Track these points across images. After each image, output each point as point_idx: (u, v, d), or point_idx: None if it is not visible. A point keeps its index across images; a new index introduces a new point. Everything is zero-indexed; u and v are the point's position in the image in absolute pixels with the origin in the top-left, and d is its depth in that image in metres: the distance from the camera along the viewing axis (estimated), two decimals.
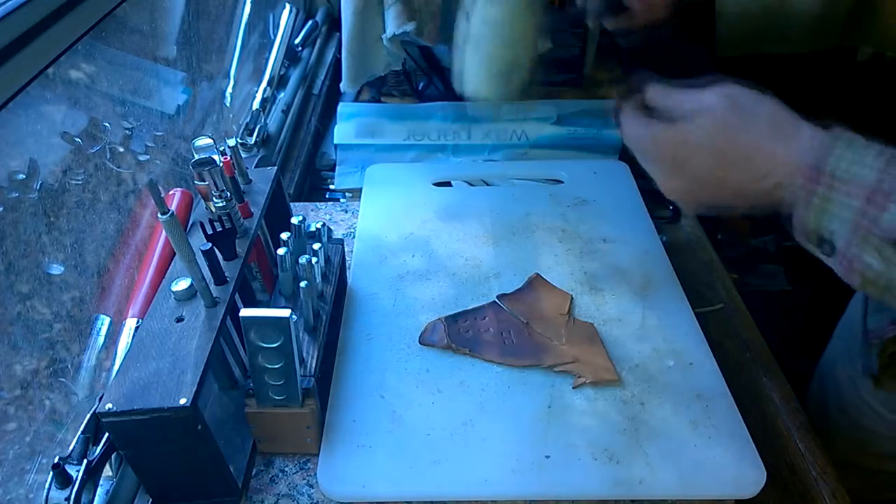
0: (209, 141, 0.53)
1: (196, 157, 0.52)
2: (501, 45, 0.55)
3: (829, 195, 0.39)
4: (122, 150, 0.64)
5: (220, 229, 0.50)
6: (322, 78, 1.10)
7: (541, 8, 0.56)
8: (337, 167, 0.88)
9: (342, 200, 0.85)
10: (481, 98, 0.60)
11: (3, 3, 0.42)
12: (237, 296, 0.51)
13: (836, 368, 0.75)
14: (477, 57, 0.57)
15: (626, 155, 0.87)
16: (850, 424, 0.71)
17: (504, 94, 0.58)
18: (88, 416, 0.46)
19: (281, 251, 0.53)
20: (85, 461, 0.44)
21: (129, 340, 0.54)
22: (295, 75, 1.04)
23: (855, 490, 0.53)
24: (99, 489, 0.46)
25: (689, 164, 0.45)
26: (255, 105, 0.91)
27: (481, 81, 0.59)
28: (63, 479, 0.43)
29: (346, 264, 0.67)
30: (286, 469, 0.52)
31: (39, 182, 0.52)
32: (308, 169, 0.92)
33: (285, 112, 0.95)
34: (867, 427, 0.70)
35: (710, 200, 0.46)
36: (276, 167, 0.62)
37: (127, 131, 0.66)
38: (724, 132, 0.44)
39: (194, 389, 0.42)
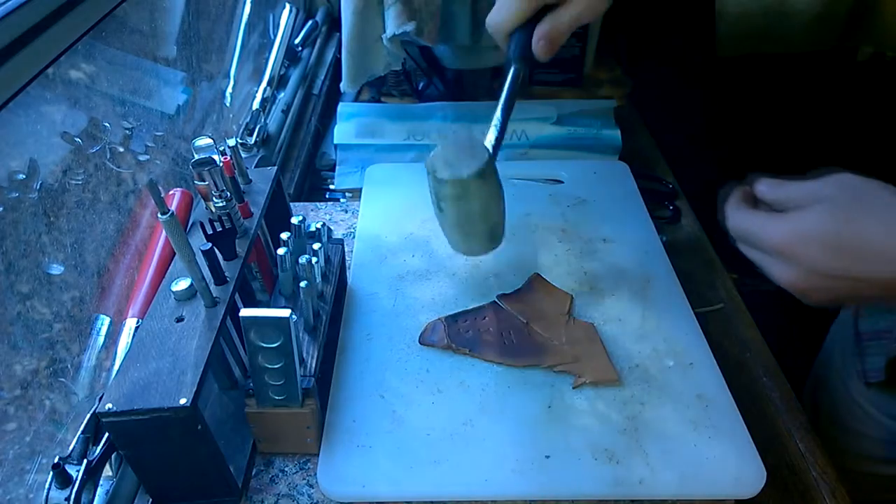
0: (209, 141, 0.53)
1: (196, 157, 0.52)
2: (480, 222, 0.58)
3: None
4: (122, 150, 0.64)
5: (220, 229, 0.50)
6: (322, 78, 1.10)
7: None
8: (337, 167, 0.88)
9: (342, 200, 0.85)
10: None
11: (3, 3, 0.42)
12: (237, 296, 0.51)
13: (829, 370, 0.75)
14: (459, 233, 0.59)
15: (626, 155, 0.87)
16: (842, 427, 0.72)
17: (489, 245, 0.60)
18: (88, 416, 0.46)
19: (281, 251, 0.53)
20: (85, 461, 0.44)
21: (129, 340, 0.54)
22: (295, 75, 1.04)
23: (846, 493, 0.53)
24: (99, 489, 0.46)
25: (807, 256, 0.43)
26: (255, 105, 0.91)
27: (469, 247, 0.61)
28: (63, 479, 0.43)
29: (346, 264, 0.67)
30: (286, 469, 0.52)
31: (39, 182, 0.52)
32: (308, 169, 0.92)
33: (285, 112, 0.95)
34: (857, 430, 0.70)
35: (831, 294, 0.44)
36: (276, 167, 0.62)
37: (127, 131, 0.66)
38: (846, 222, 0.41)
39: (194, 389, 0.42)
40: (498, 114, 0.57)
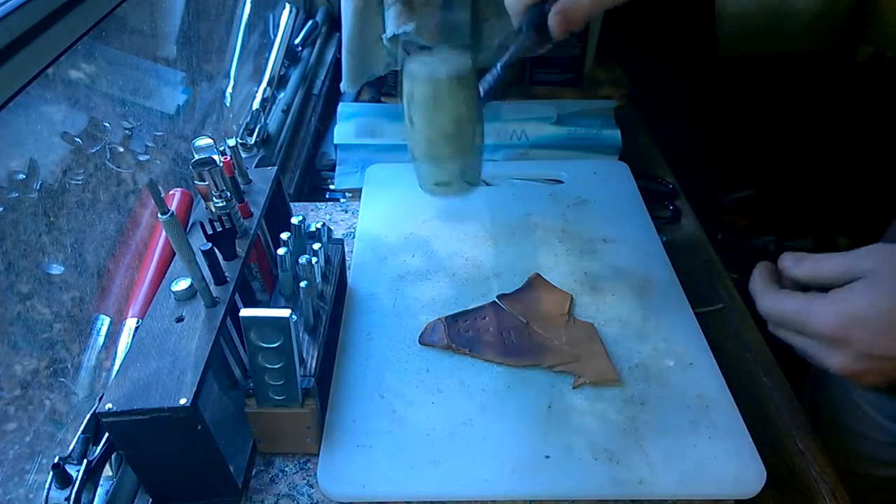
0: (209, 141, 0.53)
1: (196, 157, 0.52)
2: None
3: None
4: (122, 150, 0.64)
5: (220, 229, 0.50)
6: (322, 78, 1.10)
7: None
8: (337, 167, 0.88)
9: (342, 200, 0.85)
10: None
11: (3, 3, 0.42)
12: (237, 296, 0.51)
13: (828, 372, 0.75)
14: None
15: (626, 155, 0.87)
16: (841, 427, 0.71)
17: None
18: (88, 416, 0.46)
19: (281, 251, 0.53)
20: (85, 461, 0.44)
21: (129, 340, 0.54)
22: (295, 75, 1.04)
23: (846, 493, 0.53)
24: (99, 489, 0.46)
25: (860, 340, 0.40)
26: (255, 105, 0.91)
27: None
28: (63, 479, 0.43)
29: (346, 264, 0.67)
30: (286, 469, 0.52)
31: (39, 182, 0.52)
32: (308, 169, 0.92)
33: (285, 112, 0.95)
34: (856, 430, 0.70)
35: (886, 375, 0.41)
36: (276, 167, 0.62)
37: (127, 131, 0.66)
38: (894, 299, 0.39)
39: (194, 389, 0.42)
40: (497, 65, 0.53)
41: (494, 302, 0.62)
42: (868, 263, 0.41)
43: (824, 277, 0.43)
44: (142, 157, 0.68)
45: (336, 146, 0.91)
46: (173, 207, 0.66)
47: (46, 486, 0.43)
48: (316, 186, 0.91)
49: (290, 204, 0.68)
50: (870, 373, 0.41)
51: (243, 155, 0.68)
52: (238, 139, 0.75)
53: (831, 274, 0.43)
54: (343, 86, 0.87)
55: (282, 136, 0.92)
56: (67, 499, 0.43)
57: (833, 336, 0.41)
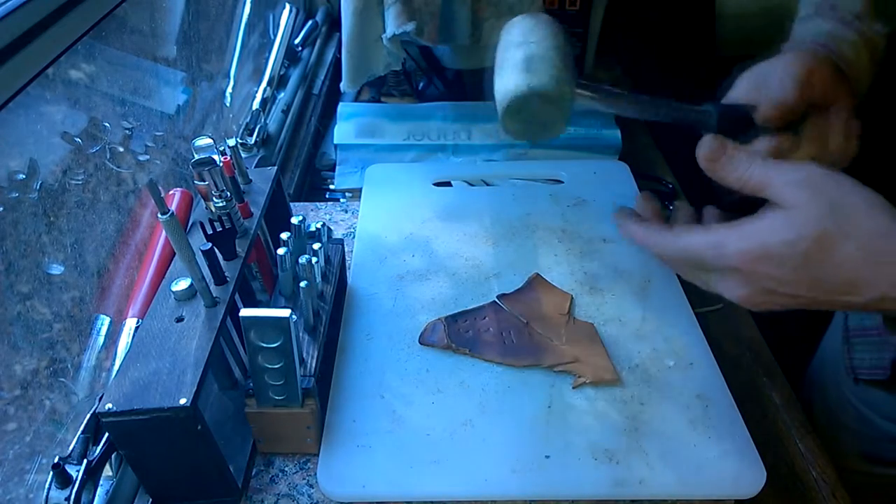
0: (209, 141, 0.53)
1: (196, 157, 0.52)
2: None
3: None
4: (122, 150, 0.64)
5: (220, 229, 0.50)
6: (322, 78, 1.10)
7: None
8: (337, 167, 0.88)
9: (342, 200, 0.85)
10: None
11: (3, 3, 0.42)
12: (237, 296, 0.51)
13: (823, 368, 0.75)
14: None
15: (626, 155, 0.87)
16: (835, 424, 0.71)
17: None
18: (88, 416, 0.46)
19: (281, 251, 0.53)
20: (85, 461, 0.44)
21: (129, 340, 0.54)
22: (295, 75, 1.04)
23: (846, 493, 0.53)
24: (99, 489, 0.46)
25: (762, 270, 0.39)
26: (255, 105, 0.91)
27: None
28: (63, 479, 0.43)
29: (346, 264, 0.67)
30: (286, 469, 0.52)
31: (39, 182, 0.52)
32: (308, 169, 0.92)
33: (285, 112, 0.95)
34: (848, 426, 0.70)
35: (785, 307, 0.41)
36: (276, 167, 0.62)
37: (127, 131, 0.66)
38: (821, 243, 0.37)
39: (194, 389, 0.42)
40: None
41: (494, 302, 0.62)
42: (803, 194, 0.39)
43: (747, 184, 0.42)
44: (142, 157, 0.68)
45: (336, 146, 0.91)
46: (173, 207, 0.66)
47: (46, 486, 0.43)
48: (316, 186, 0.91)
49: (290, 204, 0.68)
50: (769, 304, 0.41)
51: (243, 155, 0.68)
52: (238, 139, 0.76)
53: (756, 183, 0.41)
54: (343, 86, 0.87)
55: (282, 136, 0.92)
56: (67, 499, 0.43)
57: (740, 268, 0.40)
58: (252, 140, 0.85)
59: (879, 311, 0.39)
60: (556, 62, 0.45)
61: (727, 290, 0.42)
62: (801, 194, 0.39)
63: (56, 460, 0.43)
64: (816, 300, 0.39)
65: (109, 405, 0.41)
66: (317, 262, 0.55)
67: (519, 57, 0.46)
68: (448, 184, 0.80)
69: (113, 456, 0.47)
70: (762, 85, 0.48)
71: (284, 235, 0.55)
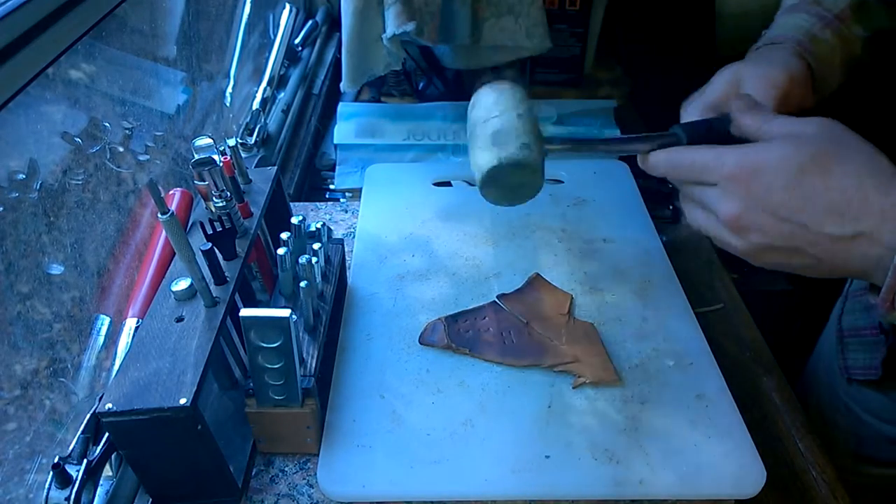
0: (209, 141, 0.53)
1: (196, 157, 0.52)
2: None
3: None
4: (122, 150, 0.64)
5: (220, 229, 0.50)
6: (322, 78, 1.10)
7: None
8: (337, 167, 0.88)
9: (342, 200, 0.85)
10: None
11: (3, 3, 0.42)
12: (237, 296, 0.51)
13: (818, 369, 0.75)
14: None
15: (625, 155, 0.87)
16: (829, 424, 0.71)
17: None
18: (88, 416, 0.46)
19: (281, 251, 0.53)
20: (85, 461, 0.44)
21: (129, 340, 0.54)
22: (295, 75, 1.04)
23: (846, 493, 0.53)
24: (99, 489, 0.46)
25: (754, 186, 0.39)
26: (255, 105, 0.91)
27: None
28: (63, 479, 0.43)
29: (346, 264, 0.67)
30: (286, 469, 0.52)
31: (39, 182, 0.52)
32: (308, 169, 0.92)
33: (285, 112, 0.95)
34: (841, 426, 0.70)
35: (765, 238, 0.41)
36: (276, 167, 0.62)
37: (127, 131, 0.66)
38: (815, 161, 0.38)
39: (194, 389, 0.42)
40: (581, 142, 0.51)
41: (494, 302, 0.62)
42: (810, 127, 0.40)
43: (765, 132, 0.43)
44: (142, 157, 0.68)
45: (336, 146, 0.91)
46: (173, 207, 0.66)
47: (46, 486, 0.43)
48: (316, 186, 0.91)
49: (290, 204, 0.68)
50: (756, 231, 0.41)
51: (243, 155, 0.68)
52: (238, 139, 0.76)
53: (776, 130, 0.42)
54: (343, 86, 0.87)
55: (282, 136, 0.92)
56: (67, 499, 0.43)
57: (734, 178, 0.41)
58: (252, 140, 0.85)
59: (847, 264, 0.39)
60: (521, 131, 0.49)
61: (722, 207, 0.42)
62: (808, 127, 0.41)
63: (56, 460, 0.43)
64: (801, 228, 0.39)
65: (109, 405, 0.41)
66: (317, 262, 0.55)
67: (487, 133, 0.50)
68: (448, 184, 0.80)
69: (113, 456, 0.47)
70: (739, 90, 0.50)
71: (284, 235, 0.55)
